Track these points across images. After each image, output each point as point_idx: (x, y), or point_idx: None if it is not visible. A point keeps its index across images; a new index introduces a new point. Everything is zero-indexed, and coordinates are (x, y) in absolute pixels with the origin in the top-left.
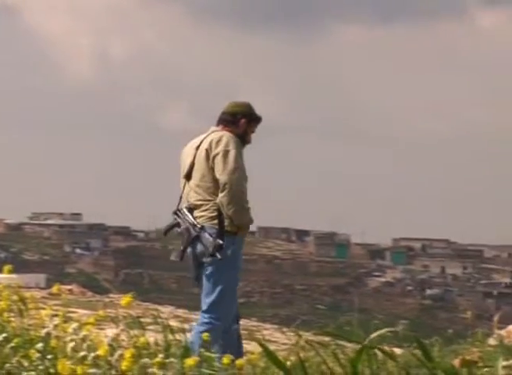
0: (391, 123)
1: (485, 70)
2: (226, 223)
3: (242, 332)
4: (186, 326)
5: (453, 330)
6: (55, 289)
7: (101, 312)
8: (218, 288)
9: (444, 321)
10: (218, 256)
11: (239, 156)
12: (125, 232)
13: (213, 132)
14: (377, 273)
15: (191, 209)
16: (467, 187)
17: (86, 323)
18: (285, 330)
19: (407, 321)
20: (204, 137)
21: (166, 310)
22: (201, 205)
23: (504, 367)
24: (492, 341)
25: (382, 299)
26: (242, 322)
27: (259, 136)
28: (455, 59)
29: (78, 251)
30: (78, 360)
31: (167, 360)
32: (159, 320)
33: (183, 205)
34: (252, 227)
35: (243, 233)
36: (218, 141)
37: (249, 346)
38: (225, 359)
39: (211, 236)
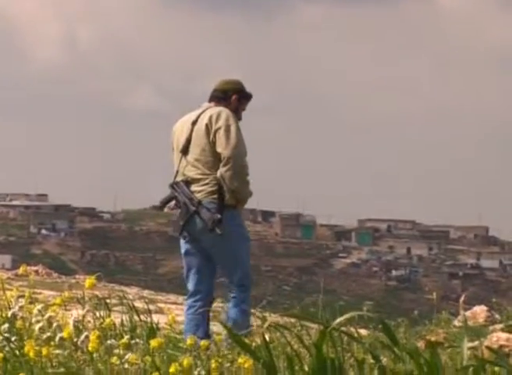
0: (352, 103)
1: (445, 50)
2: (227, 196)
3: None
4: (151, 307)
5: (418, 311)
6: (20, 270)
7: (66, 294)
8: (240, 261)
9: (409, 302)
10: (218, 231)
11: (239, 131)
12: (91, 213)
13: (209, 108)
14: (342, 254)
15: (188, 183)
16: (433, 168)
17: (52, 304)
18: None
19: (372, 302)
20: (201, 113)
21: (132, 291)
22: (200, 180)
23: (469, 348)
24: (457, 323)
25: (348, 280)
26: None
27: None
28: (416, 39)
29: (44, 232)
30: (44, 341)
31: (133, 341)
32: (125, 301)
33: (180, 179)
34: None
35: (241, 206)
36: (218, 116)
37: (214, 327)
38: (189, 340)
39: (210, 211)
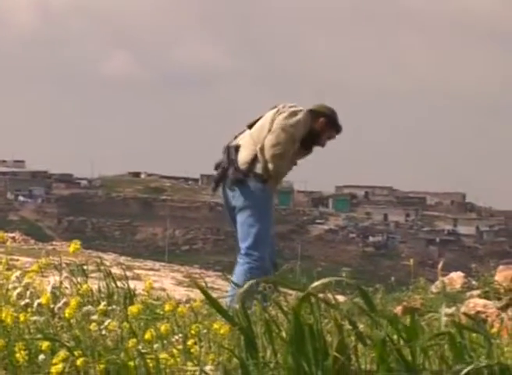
0: (332, 72)
1: (433, 27)
2: (259, 166)
3: (185, 279)
4: (128, 273)
5: (395, 277)
6: None
7: (44, 260)
8: (252, 232)
9: (386, 268)
10: (235, 189)
11: (301, 124)
12: (68, 180)
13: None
14: (320, 221)
15: (237, 148)
16: (410, 136)
17: (29, 270)
18: (228, 277)
19: (349, 268)
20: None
21: (109, 257)
22: (245, 148)
23: (447, 314)
24: (434, 289)
25: (325, 247)
26: (184, 269)
27: (203, 84)
28: (402, 14)
29: (21, 198)
30: (21, 308)
31: (110, 307)
32: (102, 268)
33: (232, 144)
34: (195, 175)
35: (272, 183)
36: (293, 106)
37: (192, 293)
38: (168, 306)
39: (237, 169)
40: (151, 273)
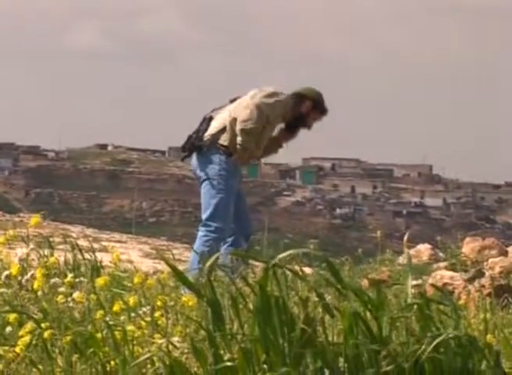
0: (303, 43)
1: None
2: (224, 138)
3: (152, 251)
4: (95, 245)
5: (362, 249)
6: None
7: (11, 232)
8: (213, 203)
9: (354, 240)
10: (185, 156)
11: (278, 105)
12: (35, 151)
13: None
14: (287, 193)
15: (210, 119)
16: (377, 107)
17: None
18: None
19: (316, 240)
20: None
21: (76, 230)
22: (217, 119)
23: (413, 286)
24: (401, 261)
25: (292, 218)
26: (151, 241)
27: (169, 55)
28: None
29: None
30: None
31: (77, 279)
32: (69, 240)
33: (207, 115)
34: (163, 147)
35: (238, 157)
36: (272, 90)
37: (159, 265)
38: (137, 278)
39: (199, 138)
40: (118, 245)
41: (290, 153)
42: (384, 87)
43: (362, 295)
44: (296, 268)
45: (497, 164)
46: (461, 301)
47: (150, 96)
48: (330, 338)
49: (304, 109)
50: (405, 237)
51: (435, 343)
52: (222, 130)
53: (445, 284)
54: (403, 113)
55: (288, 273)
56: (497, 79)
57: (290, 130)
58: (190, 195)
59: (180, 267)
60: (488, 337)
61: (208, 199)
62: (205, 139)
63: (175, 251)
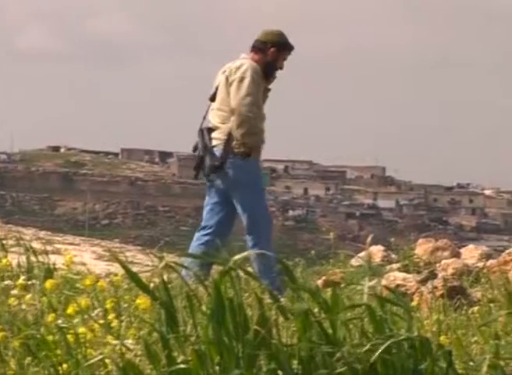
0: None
1: None
2: (236, 145)
3: (105, 253)
4: (48, 247)
5: (315, 251)
6: None
7: None
8: (247, 210)
9: (307, 242)
10: (212, 178)
11: (253, 84)
12: None
13: (239, 59)
14: None
15: (210, 130)
16: (329, 108)
17: None
18: (148, 251)
19: None
20: (231, 64)
21: (29, 232)
22: (219, 128)
23: (367, 288)
24: (354, 262)
25: None
26: (104, 243)
27: (121, 56)
28: None
29: None
30: None
31: (29, 282)
32: (22, 242)
33: (204, 126)
34: (115, 149)
35: (255, 154)
36: (238, 69)
37: (112, 268)
38: (88, 281)
39: (213, 157)
40: (71, 247)
41: None
42: (336, 89)
43: (316, 296)
44: (250, 269)
45: (450, 165)
46: (414, 303)
47: (102, 98)
48: (284, 340)
49: (270, 58)
50: (368, 240)
51: (387, 344)
52: (228, 138)
53: (398, 286)
54: (355, 115)
55: (242, 274)
56: (450, 78)
57: (267, 78)
58: (142, 197)
59: (134, 269)
60: (441, 338)
61: (240, 208)
62: (218, 154)
63: (128, 254)
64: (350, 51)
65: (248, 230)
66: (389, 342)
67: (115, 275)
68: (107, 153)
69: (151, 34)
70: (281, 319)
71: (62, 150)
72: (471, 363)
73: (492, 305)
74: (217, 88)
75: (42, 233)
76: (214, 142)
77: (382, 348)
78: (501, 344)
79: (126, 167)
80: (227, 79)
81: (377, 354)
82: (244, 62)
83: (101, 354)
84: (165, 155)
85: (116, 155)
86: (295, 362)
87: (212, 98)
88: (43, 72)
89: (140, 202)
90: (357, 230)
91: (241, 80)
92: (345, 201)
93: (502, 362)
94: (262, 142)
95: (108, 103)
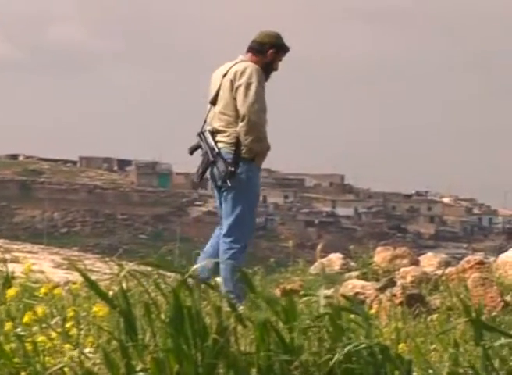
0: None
1: None
2: (244, 150)
3: (63, 262)
4: (6, 256)
5: (274, 259)
6: None
7: None
8: (236, 212)
9: (266, 250)
10: (229, 184)
11: (260, 88)
12: None
13: (239, 62)
14: (199, 203)
15: (213, 133)
16: (288, 115)
17: None
18: (107, 259)
19: None
20: (231, 66)
21: None
22: (223, 131)
23: (325, 296)
24: (312, 270)
25: (204, 228)
26: (63, 252)
27: (79, 64)
28: None
29: None
30: None
31: None
32: None
33: (207, 128)
34: (73, 157)
35: (259, 161)
36: (242, 73)
37: (71, 276)
38: (44, 289)
39: (226, 162)
40: (29, 255)
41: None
42: (294, 97)
43: (274, 305)
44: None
45: (408, 173)
46: (373, 311)
47: (60, 106)
48: (243, 348)
49: (269, 59)
50: (318, 247)
51: (345, 351)
52: (237, 142)
53: (356, 293)
54: (314, 123)
55: (200, 282)
56: (408, 81)
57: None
58: (101, 205)
59: (93, 277)
60: (400, 346)
61: (229, 211)
62: (229, 160)
63: (87, 262)
64: (307, 58)
65: (228, 232)
66: (348, 348)
67: (74, 283)
68: (65, 161)
69: (109, 42)
70: (240, 327)
71: (21, 158)
72: (430, 371)
73: (450, 312)
74: (217, 92)
75: (0, 242)
76: (220, 145)
77: (341, 354)
78: (460, 352)
79: (85, 175)
80: (231, 83)
81: (335, 358)
82: (248, 66)
83: (59, 362)
84: (123, 163)
85: (75, 163)
86: (254, 370)
87: (213, 102)
88: (1, 79)
89: (99, 210)
90: (316, 237)
91: (248, 85)
92: (304, 209)
93: (461, 370)
94: (268, 148)
95: (66, 111)
